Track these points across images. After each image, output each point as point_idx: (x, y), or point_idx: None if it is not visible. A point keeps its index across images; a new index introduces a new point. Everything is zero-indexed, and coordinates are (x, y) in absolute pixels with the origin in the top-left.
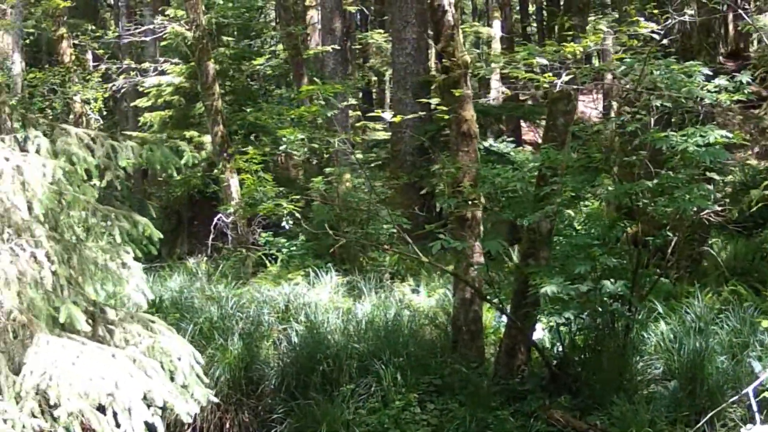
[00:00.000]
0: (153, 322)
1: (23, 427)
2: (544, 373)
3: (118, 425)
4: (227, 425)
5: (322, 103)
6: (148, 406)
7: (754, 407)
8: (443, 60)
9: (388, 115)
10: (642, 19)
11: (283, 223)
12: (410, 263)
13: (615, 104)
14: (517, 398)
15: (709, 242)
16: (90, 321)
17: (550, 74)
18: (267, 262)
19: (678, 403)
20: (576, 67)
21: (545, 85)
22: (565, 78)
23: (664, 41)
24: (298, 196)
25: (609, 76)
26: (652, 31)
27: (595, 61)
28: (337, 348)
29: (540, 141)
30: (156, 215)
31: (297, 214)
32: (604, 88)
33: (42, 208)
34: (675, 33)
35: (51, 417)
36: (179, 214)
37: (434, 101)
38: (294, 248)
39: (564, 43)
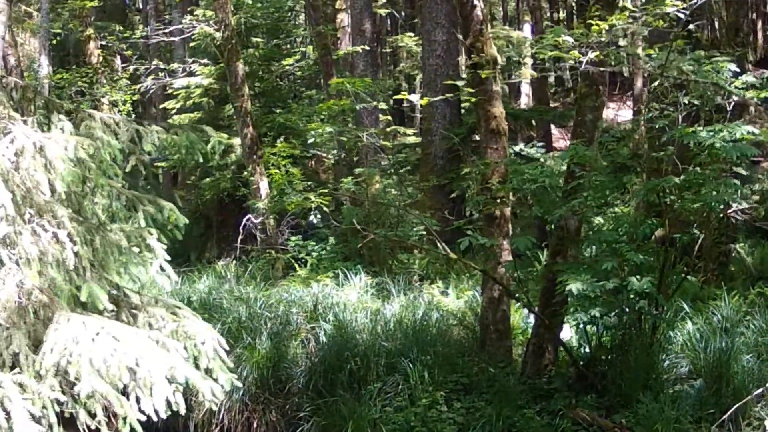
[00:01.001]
0: (178, 307)
1: (43, 404)
2: (571, 373)
3: (140, 408)
4: (255, 424)
5: (353, 99)
6: (170, 383)
7: None
8: (472, 56)
9: (415, 97)
10: None
11: (311, 218)
12: (439, 266)
13: (644, 110)
14: (543, 397)
15: (737, 246)
16: (115, 305)
17: (576, 52)
18: (296, 265)
19: (703, 402)
20: (603, 49)
21: (571, 62)
22: (591, 55)
23: (690, 26)
24: (326, 190)
25: (639, 84)
26: (678, 10)
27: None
28: (365, 347)
29: None
30: (186, 219)
31: (325, 209)
32: (634, 95)
33: (64, 185)
34: (696, 25)
35: (72, 398)
36: (208, 218)
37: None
38: (324, 252)
39: (590, 22)
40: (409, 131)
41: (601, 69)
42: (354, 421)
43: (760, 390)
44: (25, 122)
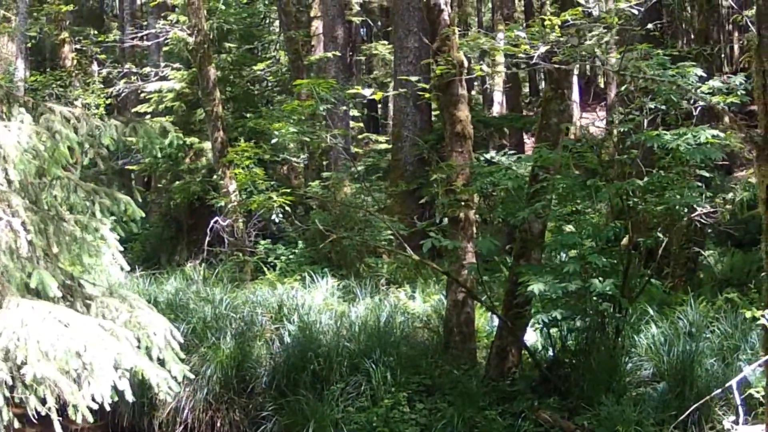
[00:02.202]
0: (132, 299)
1: None
2: (535, 375)
3: (93, 397)
4: (218, 423)
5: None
6: (116, 369)
7: (738, 400)
8: (438, 59)
9: (368, 91)
10: None
11: (273, 216)
12: (407, 271)
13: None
14: (506, 399)
15: (706, 254)
16: (69, 295)
17: (528, 46)
18: (265, 269)
19: (666, 404)
20: (557, 43)
21: (521, 55)
22: (542, 50)
23: (649, 25)
24: (288, 190)
25: (612, 93)
26: (632, 6)
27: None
28: (328, 347)
29: None
30: (156, 222)
31: (287, 208)
32: (607, 105)
33: (18, 174)
34: (677, 39)
35: (22, 384)
36: (179, 221)
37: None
38: (293, 255)
39: (543, 17)
40: (381, 138)
41: (555, 65)
42: (316, 421)
43: (719, 390)
44: None
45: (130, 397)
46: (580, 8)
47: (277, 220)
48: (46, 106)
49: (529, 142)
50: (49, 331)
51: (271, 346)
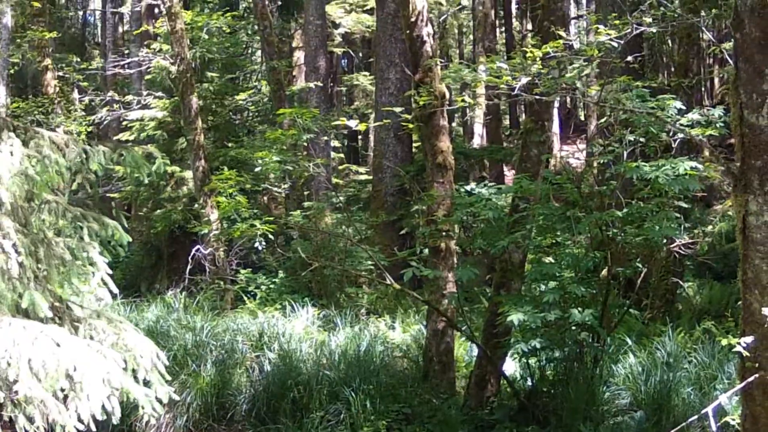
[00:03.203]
0: (119, 321)
1: None
2: (513, 404)
3: (79, 418)
4: None
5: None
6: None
7: (713, 427)
8: (420, 91)
9: (353, 122)
10: (602, 26)
11: (256, 244)
12: (387, 302)
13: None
14: (485, 428)
15: (685, 286)
16: (57, 317)
17: (510, 78)
18: (246, 298)
19: None
20: (539, 75)
21: (503, 86)
22: (523, 81)
23: (629, 57)
24: (271, 218)
25: (593, 127)
26: (612, 39)
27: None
28: (308, 375)
29: None
30: (136, 250)
31: (270, 236)
32: (588, 138)
33: (9, 196)
34: (657, 72)
35: (12, 403)
36: (159, 249)
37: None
38: (273, 285)
39: (524, 49)
40: (362, 169)
41: (536, 97)
42: None
43: (695, 417)
44: None
45: (117, 418)
46: (561, 41)
47: (260, 248)
48: (35, 131)
49: (509, 174)
50: (41, 350)
51: (251, 374)
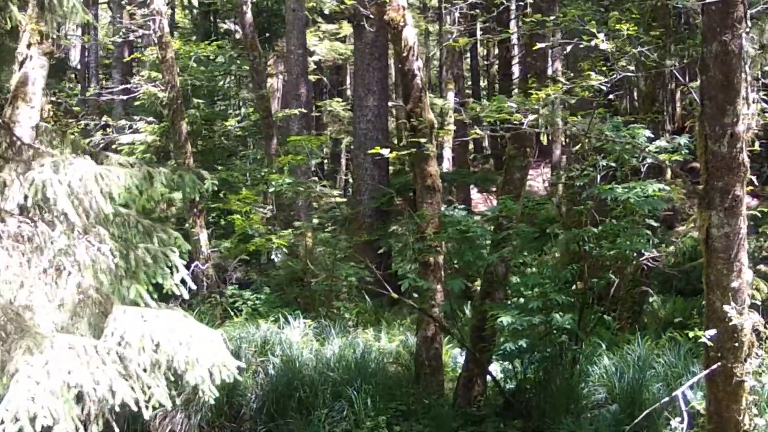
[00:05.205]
0: (186, 317)
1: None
2: (499, 402)
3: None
4: None
5: (286, 165)
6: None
7: (683, 407)
8: (411, 119)
9: (385, 151)
10: (593, 73)
11: (273, 256)
12: (368, 317)
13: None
14: (475, 422)
15: (650, 300)
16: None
17: (519, 115)
18: (233, 313)
19: (618, 423)
20: (535, 114)
21: (515, 122)
22: (531, 118)
23: (611, 96)
24: (285, 233)
25: (557, 152)
26: (601, 83)
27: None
28: (312, 377)
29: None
30: (189, 246)
31: (284, 249)
32: (552, 162)
33: (121, 199)
34: (616, 94)
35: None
36: None
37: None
38: (259, 301)
39: (530, 91)
40: (335, 192)
41: (528, 130)
42: None
43: (667, 399)
44: (84, 156)
45: (214, 390)
46: (559, 84)
47: (276, 259)
48: (104, 153)
49: (475, 197)
50: (163, 327)
51: (257, 377)
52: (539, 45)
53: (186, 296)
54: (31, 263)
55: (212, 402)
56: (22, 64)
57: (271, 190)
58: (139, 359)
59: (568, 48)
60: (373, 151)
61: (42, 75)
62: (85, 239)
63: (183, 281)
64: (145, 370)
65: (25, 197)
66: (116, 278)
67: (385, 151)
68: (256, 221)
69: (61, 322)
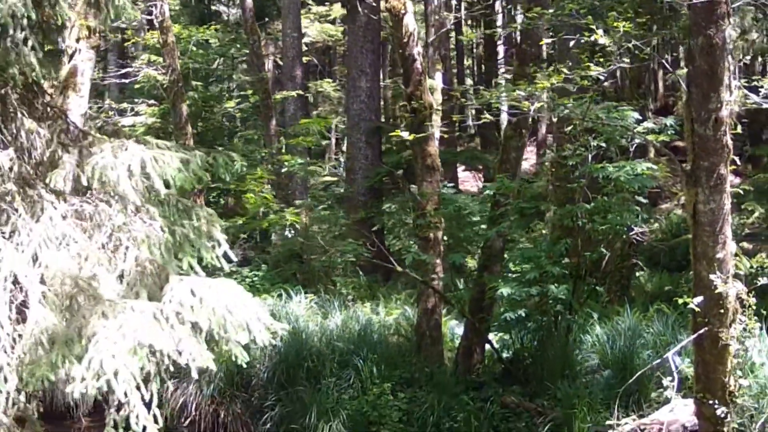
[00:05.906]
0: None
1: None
2: (498, 369)
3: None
4: (222, 414)
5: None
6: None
7: (673, 367)
8: (411, 102)
9: (405, 133)
10: (592, 64)
11: (286, 232)
12: (364, 291)
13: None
14: (475, 388)
15: (637, 275)
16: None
17: (527, 103)
18: None
19: (611, 387)
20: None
21: (525, 109)
22: (537, 105)
23: (606, 83)
24: (297, 210)
25: (543, 130)
26: (599, 74)
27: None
28: (319, 348)
29: (479, 187)
30: (226, 224)
31: (297, 225)
32: (538, 141)
33: (179, 181)
34: (611, 81)
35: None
36: None
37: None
38: (257, 278)
39: (536, 81)
40: (324, 171)
41: (534, 115)
42: (315, 408)
43: (658, 360)
44: (137, 143)
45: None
46: (562, 75)
47: (289, 236)
48: (147, 140)
49: (462, 176)
50: (216, 294)
51: (265, 349)
52: (546, 40)
53: (227, 269)
54: (92, 239)
55: (243, 364)
56: (71, 56)
57: (283, 170)
58: (197, 322)
59: (571, 43)
60: (393, 134)
61: (90, 67)
62: (138, 217)
63: (225, 255)
64: (200, 333)
65: (87, 179)
66: (168, 252)
67: (405, 134)
68: (269, 199)
69: (121, 292)
